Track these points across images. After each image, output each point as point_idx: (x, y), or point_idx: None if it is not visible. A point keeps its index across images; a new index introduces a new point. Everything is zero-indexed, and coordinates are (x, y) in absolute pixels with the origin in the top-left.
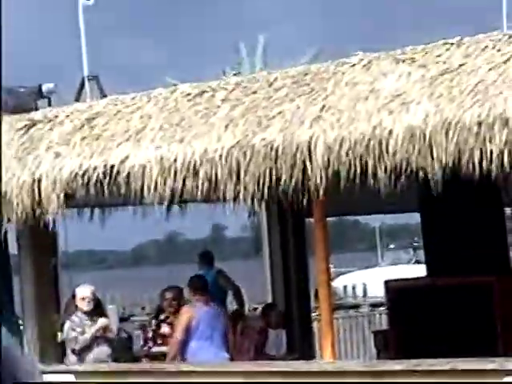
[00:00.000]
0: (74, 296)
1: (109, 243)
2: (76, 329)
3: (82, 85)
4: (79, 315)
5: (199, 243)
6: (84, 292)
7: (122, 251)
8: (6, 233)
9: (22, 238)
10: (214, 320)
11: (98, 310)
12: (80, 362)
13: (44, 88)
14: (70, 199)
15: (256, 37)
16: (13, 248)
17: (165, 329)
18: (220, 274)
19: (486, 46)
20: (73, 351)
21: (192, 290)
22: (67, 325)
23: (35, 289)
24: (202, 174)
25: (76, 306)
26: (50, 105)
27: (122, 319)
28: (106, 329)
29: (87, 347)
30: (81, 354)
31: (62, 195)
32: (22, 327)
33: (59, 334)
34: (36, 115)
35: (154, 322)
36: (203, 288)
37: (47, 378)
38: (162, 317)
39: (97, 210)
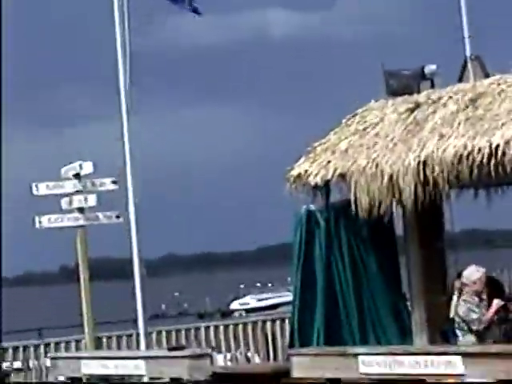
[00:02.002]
0: (459, 275)
1: (495, 222)
2: (475, 310)
3: (465, 65)
4: (473, 296)
5: None
6: (473, 274)
7: (509, 230)
8: (392, 214)
9: (408, 218)
10: None
11: (487, 289)
12: (480, 341)
13: (426, 70)
14: (455, 180)
15: None
16: (398, 229)
17: None
18: None
19: None
20: (476, 332)
21: None
22: (465, 305)
23: (422, 269)
24: None
25: (464, 287)
26: (432, 86)
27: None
28: (499, 309)
29: (487, 328)
30: (481, 334)
31: (446, 176)
32: (409, 307)
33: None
34: (419, 97)
35: None
36: None
37: (430, 357)
38: None
39: (482, 190)
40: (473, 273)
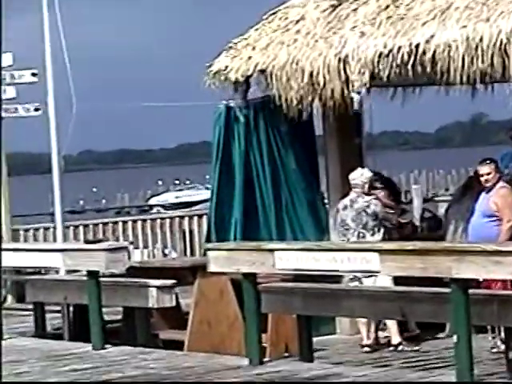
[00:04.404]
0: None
1: (413, 124)
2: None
3: None
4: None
5: (504, 124)
6: (359, 177)
7: (426, 133)
8: (311, 113)
9: (327, 118)
10: None
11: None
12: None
13: None
14: (375, 79)
15: None
16: (318, 128)
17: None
18: None
19: None
20: (388, 230)
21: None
22: (379, 203)
23: (340, 169)
24: (509, 52)
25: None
26: None
27: (426, 200)
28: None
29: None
30: (390, 233)
31: (367, 74)
32: (327, 205)
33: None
34: None
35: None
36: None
37: (347, 254)
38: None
39: (400, 90)
40: (359, 175)
